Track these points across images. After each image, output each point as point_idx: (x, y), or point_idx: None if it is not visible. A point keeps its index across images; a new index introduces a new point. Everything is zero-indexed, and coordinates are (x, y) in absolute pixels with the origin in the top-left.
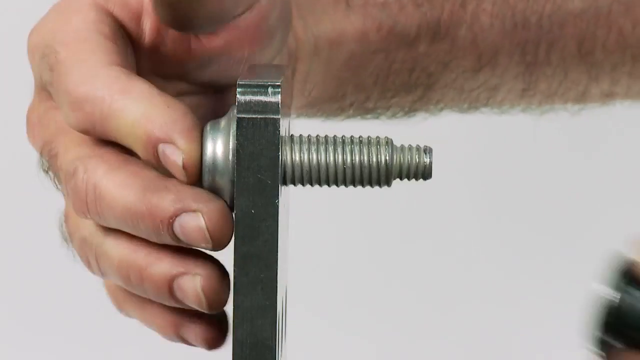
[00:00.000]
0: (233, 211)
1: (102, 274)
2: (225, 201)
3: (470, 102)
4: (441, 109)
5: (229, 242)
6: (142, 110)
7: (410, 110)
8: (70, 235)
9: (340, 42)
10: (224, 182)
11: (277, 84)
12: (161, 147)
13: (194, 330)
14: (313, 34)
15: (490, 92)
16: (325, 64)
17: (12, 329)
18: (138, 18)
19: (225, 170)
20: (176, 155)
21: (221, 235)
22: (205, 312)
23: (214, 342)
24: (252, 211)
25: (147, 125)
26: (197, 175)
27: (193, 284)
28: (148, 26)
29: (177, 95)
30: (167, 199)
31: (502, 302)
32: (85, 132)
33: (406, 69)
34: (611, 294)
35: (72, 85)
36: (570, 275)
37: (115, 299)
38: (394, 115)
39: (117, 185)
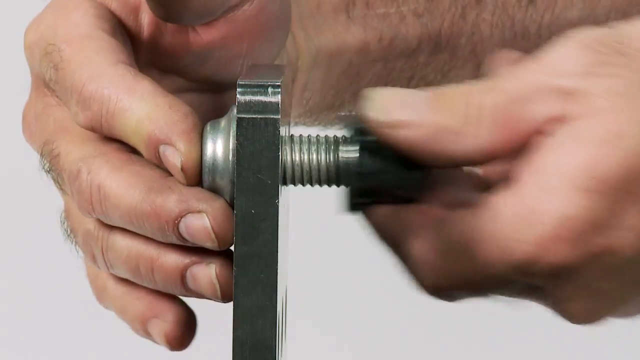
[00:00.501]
0: (233, 211)
1: (109, 266)
2: (226, 200)
3: None
4: None
5: (233, 241)
6: (146, 110)
7: None
8: (73, 231)
9: (340, 53)
10: (224, 183)
11: (277, 84)
12: (162, 148)
13: (159, 326)
14: (314, 44)
15: None
16: (325, 73)
17: (13, 328)
18: (136, 12)
19: (226, 171)
20: (175, 157)
21: (225, 234)
22: (219, 301)
23: (177, 343)
24: (252, 211)
25: (149, 126)
26: (196, 177)
27: (208, 273)
28: (146, 20)
29: (175, 91)
30: (171, 200)
31: (510, 314)
32: (92, 129)
33: (405, 77)
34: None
35: (79, 84)
36: None
37: (96, 289)
38: None
39: (122, 186)
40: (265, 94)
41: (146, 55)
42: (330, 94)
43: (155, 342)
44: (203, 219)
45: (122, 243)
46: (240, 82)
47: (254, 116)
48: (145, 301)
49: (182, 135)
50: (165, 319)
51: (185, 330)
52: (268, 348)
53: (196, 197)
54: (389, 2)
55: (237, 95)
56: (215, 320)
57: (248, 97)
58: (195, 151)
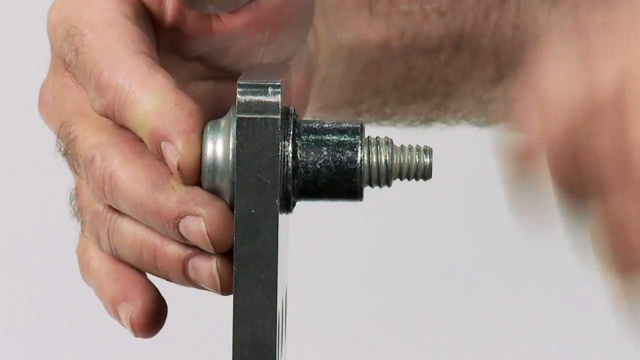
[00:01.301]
0: (234, 211)
1: (113, 249)
2: (226, 202)
3: (487, 115)
4: (458, 120)
5: (231, 244)
6: (153, 105)
7: (427, 119)
8: (81, 209)
9: (361, 48)
10: (224, 183)
11: (277, 84)
12: (163, 144)
13: (127, 310)
14: (336, 39)
15: (509, 106)
16: (344, 68)
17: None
18: None
19: (226, 171)
20: (173, 156)
21: (221, 240)
22: (218, 294)
23: (141, 329)
24: (252, 211)
25: (154, 120)
26: (193, 177)
27: (209, 265)
28: (170, 5)
29: (196, 78)
30: (172, 200)
31: (511, 315)
32: (107, 117)
33: (425, 76)
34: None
35: (97, 70)
36: (570, 282)
37: (81, 265)
38: (411, 124)
39: (130, 178)
40: (265, 94)
41: (168, 40)
42: (350, 89)
43: (123, 325)
44: (200, 223)
45: (129, 228)
46: (240, 82)
47: (254, 116)
48: (119, 284)
49: (181, 135)
50: (134, 304)
51: (151, 319)
52: (268, 348)
53: (195, 200)
54: (413, 0)
55: (237, 95)
56: (215, 320)
57: (248, 97)
58: (192, 152)
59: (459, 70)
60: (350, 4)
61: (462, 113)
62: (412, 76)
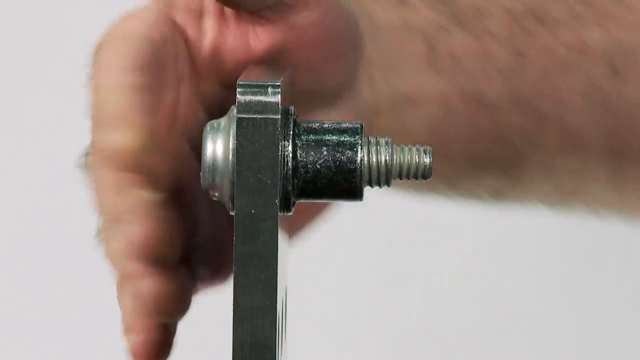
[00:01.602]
0: (233, 211)
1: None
2: (225, 202)
3: (557, 190)
4: (528, 196)
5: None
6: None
7: (495, 192)
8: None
9: (420, 102)
10: (224, 183)
11: (277, 84)
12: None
13: (130, 339)
14: (393, 88)
15: (577, 182)
16: (405, 125)
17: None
18: (199, 18)
19: (225, 171)
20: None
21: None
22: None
23: (141, 358)
24: (252, 211)
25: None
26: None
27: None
28: (209, 25)
29: None
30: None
31: (511, 316)
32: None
33: (490, 139)
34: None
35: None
36: (577, 289)
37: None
38: (479, 197)
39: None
40: (265, 94)
41: (209, 65)
42: None
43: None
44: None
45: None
46: (240, 82)
47: (254, 116)
48: (133, 314)
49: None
50: (137, 335)
51: (150, 353)
52: (268, 348)
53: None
54: (473, 57)
55: (237, 95)
56: (215, 320)
57: (248, 97)
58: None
59: (523, 134)
60: (410, 58)
61: (532, 186)
62: (477, 139)
